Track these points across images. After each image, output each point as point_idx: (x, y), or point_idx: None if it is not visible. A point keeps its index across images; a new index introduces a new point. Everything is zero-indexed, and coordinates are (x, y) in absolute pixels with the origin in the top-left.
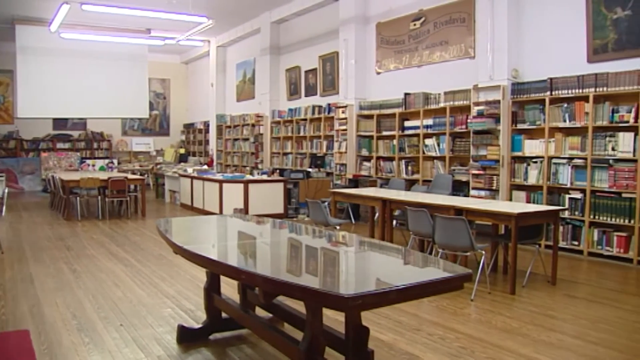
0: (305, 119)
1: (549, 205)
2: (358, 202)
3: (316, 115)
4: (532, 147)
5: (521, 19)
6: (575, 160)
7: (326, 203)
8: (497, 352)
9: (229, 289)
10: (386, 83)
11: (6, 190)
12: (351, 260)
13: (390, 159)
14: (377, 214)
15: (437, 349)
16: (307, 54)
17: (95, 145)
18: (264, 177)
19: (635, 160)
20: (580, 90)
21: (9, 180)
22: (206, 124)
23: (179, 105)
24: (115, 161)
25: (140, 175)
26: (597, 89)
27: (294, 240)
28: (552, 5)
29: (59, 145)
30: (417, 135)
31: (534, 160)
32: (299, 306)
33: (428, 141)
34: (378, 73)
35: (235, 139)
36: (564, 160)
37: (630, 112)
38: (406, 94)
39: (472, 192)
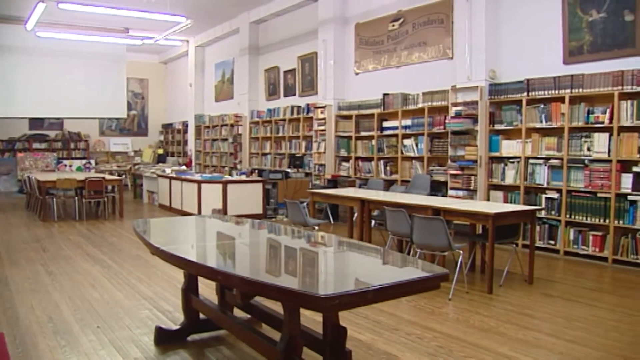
0: (284, 120)
1: (526, 205)
2: (337, 202)
3: (295, 116)
4: (509, 147)
5: (498, 20)
6: (551, 161)
7: (305, 203)
8: (475, 350)
9: (207, 290)
10: (365, 83)
11: None
12: (329, 260)
13: (369, 159)
14: (355, 214)
15: (415, 349)
16: (286, 55)
17: (72, 145)
18: (243, 177)
19: (609, 161)
20: (557, 92)
21: None
22: (185, 124)
23: (157, 105)
24: (92, 162)
25: (118, 175)
26: (573, 90)
27: (273, 241)
28: (529, 7)
29: (35, 145)
30: (396, 135)
31: (511, 160)
32: (277, 307)
33: (406, 141)
34: (357, 73)
35: (214, 140)
36: (541, 161)
37: (605, 113)
38: (385, 95)
39: (450, 192)
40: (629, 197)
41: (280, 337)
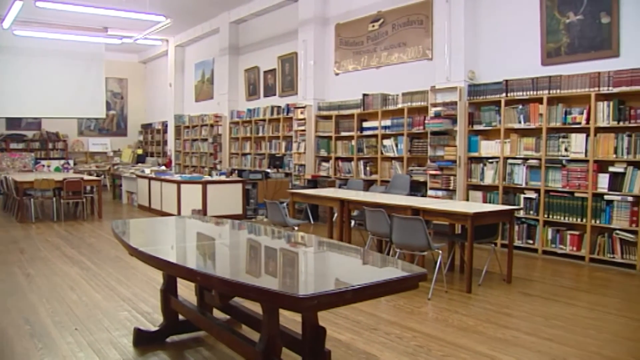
0: (264, 120)
1: (505, 204)
2: (316, 202)
3: (275, 116)
4: (488, 147)
5: (478, 22)
6: (529, 161)
7: (285, 204)
8: (453, 349)
9: (187, 291)
10: (345, 84)
11: None
12: (309, 261)
13: (349, 160)
14: (335, 215)
15: (394, 348)
16: (266, 55)
17: (50, 145)
18: (223, 177)
19: (586, 161)
20: (535, 92)
21: None
22: (164, 124)
23: (136, 105)
24: (71, 162)
25: (97, 176)
26: (551, 91)
27: (253, 242)
28: (508, 9)
29: (13, 145)
30: (376, 135)
31: (490, 160)
32: (256, 307)
33: (386, 142)
34: (337, 74)
35: (194, 140)
36: (519, 161)
37: (582, 113)
38: (364, 95)
39: (430, 192)
40: (605, 197)
41: (259, 338)
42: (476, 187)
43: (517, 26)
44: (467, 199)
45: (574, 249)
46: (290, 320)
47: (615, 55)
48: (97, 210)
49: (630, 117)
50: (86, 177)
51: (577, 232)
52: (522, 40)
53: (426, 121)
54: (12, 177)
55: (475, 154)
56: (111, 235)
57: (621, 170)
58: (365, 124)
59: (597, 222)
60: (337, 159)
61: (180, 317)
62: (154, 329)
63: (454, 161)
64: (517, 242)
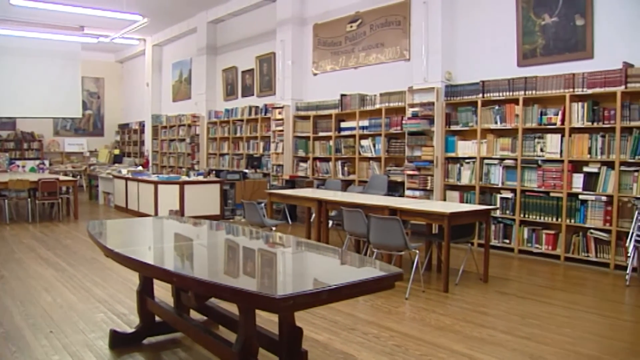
0: (242, 120)
1: (482, 204)
2: (294, 202)
3: (253, 116)
4: (465, 148)
5: (455, 23)
6: (506, 161)
7: (262, 204)
8: (431, 349)
9: (163, 292)
10: (323, 84)
11: None
12: (287, 261)
13: (327, 160)
14: (313, 215)
15: (371, 348)
16: (244, 55)
17: (25, 145)
18: (200, 178)
19: (561, 161)
20: (511, 93)
21: None
22: (141, 124)
23: (113, 105)
24: (46, 162)
25: (73, 176)
26: (527, 92)
27: (231, 242)
28: (485, 10)
29: None
30: (353, 136)
31: (466, 160)
32: (233, 308)
33: (364, 142)
34: (315, 74)
35: (171, 140)
36: (496, 161)
37: (557, 114)
38: (342, 95)
39: (407, 192)
40: (580, 197)
41: (236, 339)
42: (453, 187)
43: (494, 27)
44: (444, 199)
45: (550, 248)
46: (268, 320)
47: (589, 56)
48: (73, 211)
49: (604, 118)
50: (62, 177)
51: (552, 232)
52: (499, 42)
53: (404, 121)
54: None
55: (452, 154)
56: (87, 236)
57: (595, 170)
58: (343, 124)
59: (572, 221)
60: (315, 159)
61: (157, 318)
62: (130, 330)
63: (431, 161)
64: (493, 242)
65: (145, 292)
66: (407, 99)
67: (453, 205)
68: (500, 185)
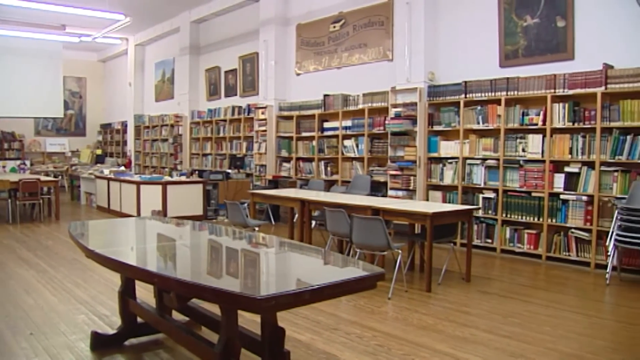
0: (224, 120)
1: (464, 204)
2: (277, 203)
3: (236, 116)
4: (447, 148)
5: (438, 24)
6: (488, 161)
7: (245, 204)
8: (413, 348)
9: (146, 293)
10: (306, 84)
11: None
12: (270, 261)
13: (310, 160)
14: (296, 215)
15: (354, 348)
16: (227, 54)
17: (5, 145)
18: (183, 178)
19: (543, 161)
20: (493, 94)
21: None
22: (124, 124)
23: (95, 104)
24: (27, 162)
25: (55, 177)
26: (509, 93)
27: (214, 242)
28: (467, 11)
29: None
30: (336, 136)
31: (449, 161)
32: (216, 309)
33: (347, 142)
34: (298, 74)
35: (154, 140)
36: (478, 161)
37: (538, 115)
38: (325, 96)
39: (390, 193)
40: (561, 197)
41: (218, 340)
42: (436, 187)
43: (476, 28)
44: (427, 199)
45: (531, 247)
46: (250, 321)
47: (570, 58)
48: (55, 212)
49: (585, 118)
50: (43, 177)
51: (534, 231)
52: (481, 43)
53: (386, 122)
54: None
55: (435, 155)
56: (68, 237)
57: (576, 170)
58: (326, 125)
59: (553, 221)
60: (298, 159)
61: (139, 319)
62: (111, 332)
63: (414, 161)
64: (476, 242)
65: (126, 293)
66: (390, 99)
67: (436, 205)
68: (482, 185)
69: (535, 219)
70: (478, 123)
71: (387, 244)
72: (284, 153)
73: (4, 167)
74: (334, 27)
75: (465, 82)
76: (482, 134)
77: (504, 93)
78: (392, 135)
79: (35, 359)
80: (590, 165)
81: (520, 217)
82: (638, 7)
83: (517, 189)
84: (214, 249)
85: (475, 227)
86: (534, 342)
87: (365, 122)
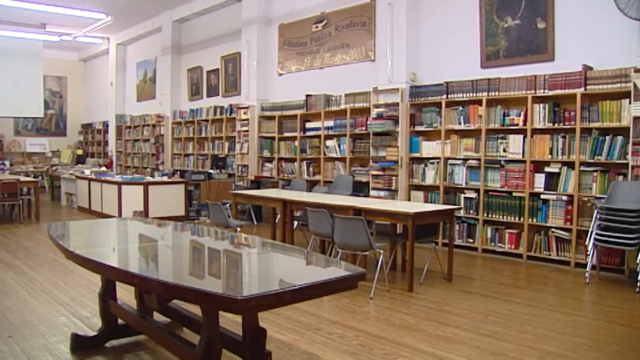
0: (206, 120)
1: (446, 204)
2: (259, 203)
3: (218, 116)
4: (429, 148)
5: (419, 24)
6: (469, 161)
7: (227, 205)
8: (395, 348)
9: (127, 294)
10: (288, 84)
11: None
12: (251, 262)
13: (292, 160)
14: (278, 215)
15: (336, 347)
16: (209, 54)
17: None
18: (165, 178)
19: (524, 161)
20: (474, 94)
21: None
22: (105, 124)
23: (76, 104)
24: (7, 163)
25: (35, 177)
26: (490, 93)
27: (196, 243)
28: (449, 12)
29: None
30: (318, 136)
31: (431, 161)
32: (197, 310)
33: (329, 142)
34: (280, 74)
35: (136, 140)
36: (460, 161)
37: (519, 115)
38: (307, 96)
39: (372, 193)
40: (542, 196)
41: (199, 340)
42: (418, 187)
43: (458, 29)
44: (409, 199)
45: (512, 247)
46: (232, 321)
47: (550, 59)
48: (35, 213)
49: (565, 119)
50: (23, 178)
51: (515, 231)
52: (462, 44)
53: (368, 122)
54: None
55: (417, 155)
56: (48, 238)
57: (556, 170)
58: (308, 125)
59: (534, 220)
60: (280, 159)
61: (120, 321)
62: (92, 333)
63: (396, 162)
64: (457, 241)
65: (107, 295)
66: (372, 99)
67: (417, 205)
68: (464, 185)
69: (516, 219)
70: (459, 123)
71: (369, 244)
72: (266, 153)
73: None
74: (317, 27)
75: (447, 82)
76: (463, 134)
77: (485, 94)
78: (374, 136)
79: None
80: (570, 165)
81: (501, 216)
82: (617, 9)
83: (498, 189)
84: (195, 250)
85: (456, 227)
86: (514, 340)
87: (347, 123)
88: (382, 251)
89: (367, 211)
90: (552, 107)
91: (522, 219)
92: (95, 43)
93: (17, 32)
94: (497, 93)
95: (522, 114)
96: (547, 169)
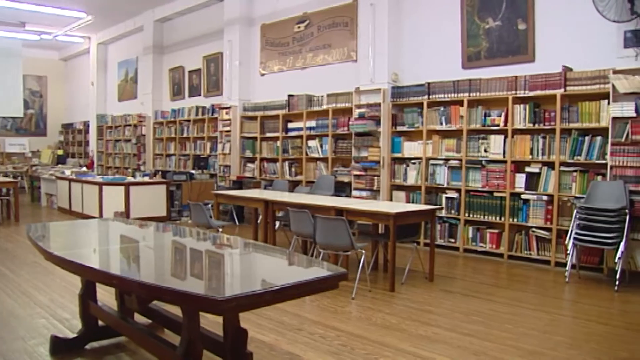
0: (188, 120)
1: (427, 204)
2: (241, 203)
3: (200, 116)
4: (411, 148)
5: (401, 25)
6: (451, 161)
7: (209, 205)
8: (376, 348)
9: (108, 295)
10: (270, 84)
11: None
12: (233, 262)
13: (274, 161)
14: (260, 216)
15: (317, 348)
16: (191, 54)
17: None
18: (146, 179)
19: (504, 162)
20: (456, 95)
21: None
22: (86, 124)
23: (57, 104)
24: None
25: (14, 177)
26: (471, 94)
27: (177, 244)
28: (430, 13)
29: None
30: (301, 136)
31: (412, 161)
32: (178, 311)
33: (311, 143)
34: (262, 74)
35: (117, 140)
36: (441, 161)
37: (500, 116)
38: (290, 96)
39: (354, 193)
40: (522, 196)
41: (180, 342)
42: (399, 188)
43: (439, 30)
44: (391, 199)
45: (494, 246)
46: (213, 322)
47: (531, 60)
48: (14, 214)
49: (545, 119)
50: (2, 179)
51: (496, 231)
52: (444, 44)
53: (350, 122)
54: None
55: (399, 155)
56: (28, 239)
57: (536, 170)
58: (291, 125)
59: (515, 220)
60: (262, 159)
61: (101, 322)
62: (72, 335)
63: (378, 162)
64: (439, 241)
65: (87, 296)
66: (354, 99)
67: (399, 205)
68: (445, 186)
69: (497, 219)
70: (441, 124)
71: (351, 244)
72: (248, 153)
73: None
74: (299, 27)
75: (429, 83)
76: (445, 134)
77: (466, 94)
78: (356, 136)
79: None
80: (550, 165)
81: (482, 216)
82: (596, 11)
83: (480, 189)
84: (177, 251)
85: (438, 226)
86: (495, 339)
87: (329, 123)
88: (363, 251)
89: (348, 211)
90: (532, 107)
91: (503, 219)
92: (76, 42)
93: None
94: (478, 94)
95: (503, 114)
96: (527, 169)
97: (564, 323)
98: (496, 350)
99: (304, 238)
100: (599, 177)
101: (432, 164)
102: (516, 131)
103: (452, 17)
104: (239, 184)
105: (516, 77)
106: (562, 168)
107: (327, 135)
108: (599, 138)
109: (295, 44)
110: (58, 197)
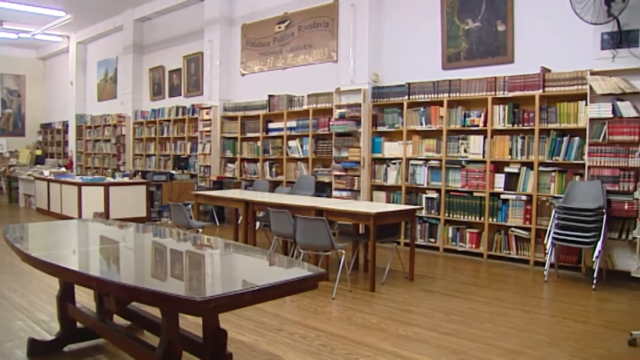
0: (168, 120)
1: (408, 204)
2: (221, 204)
3: (180, 117)
4: (391, 149)
5: (382, 26)
6: (431, 162)
7: (189, 206)
8: (357, 347)
9: (87, 297)
10: (251, 85)
11: None
12: (213, 263)
13: (255, 161)
14: (241, 216)
15: (298, 348)
16: (171, 54)
17: None
18: (126, 179)
19: (484, 162)
20: (436, 95)
21: None
22: (65, 124)
23: (35, 103)
24: None
25: None
26: (451, 95)
27: (157, 244)
28: (411, 14)
29: None
30: (281, 137)
31: (393, 161)
32: (157, 312)
33: (291, 143)
34: (243, 74)
35: (96, 140)
36: (421, 162)
37: (480, 116)
38: (270, 96)
39: (335, 193)
40: (502, 196)
41: (159, 343)
42: (380, 188)
43: (419, 31)
44: (371, 199)
45: (473, 246)
46: (193, 323)
47: (510, 61)
48: None
49: (524, 120)
50: None
51: (475, 230)
52: (424, 45)
53: (331, 122)
54: None
55: (379, 155)
56: (4, 241)
57: (515, 170)
58: (271, 125)
59: (494, 220)
60: (242, 160)
61: (79, 324)
62: (50, 338)
63: (358, 162)
64: (419, 241)
65: (65, 298)
66: (335, 100)
67: (379, 205)
68: (425, 186)
69: (477, 219)
70: (421, 124)
71: (331, 244)
72: (229, 154)
73: None
74: (279, 27)
75: (409, 83)
76: (425, 134)
77: (446, 95)
78: (337, 136)
79: None
80: (529, 165)
81: (462, 216)
82: (574, 14)
83: (459, 189)
84: (157, 252)
85: (418, 226)
86: (475, 338)
87: (309, 123)
88: (344, 251)
89: (328, 211)
90: (511, 108)
91: (482, 219)
92: (55, 41)
93: None
94: (457, 94)
95: (483, 115)
96: (506, 169)
97: (543, 322)
98: (476, 349)
99: (284, 238)
100: (577, 177)
101: (412, 164)
102: (495, 132)
103: (432, 18)
104: (220, 184)
105: (495, 78)
106: (541, 168)
107: (307, 136)
108: (577, 138)
109: (276, 44)
110: (36, 198)
